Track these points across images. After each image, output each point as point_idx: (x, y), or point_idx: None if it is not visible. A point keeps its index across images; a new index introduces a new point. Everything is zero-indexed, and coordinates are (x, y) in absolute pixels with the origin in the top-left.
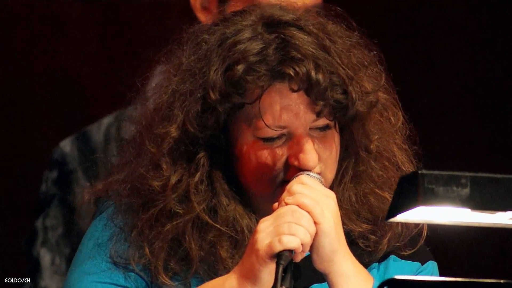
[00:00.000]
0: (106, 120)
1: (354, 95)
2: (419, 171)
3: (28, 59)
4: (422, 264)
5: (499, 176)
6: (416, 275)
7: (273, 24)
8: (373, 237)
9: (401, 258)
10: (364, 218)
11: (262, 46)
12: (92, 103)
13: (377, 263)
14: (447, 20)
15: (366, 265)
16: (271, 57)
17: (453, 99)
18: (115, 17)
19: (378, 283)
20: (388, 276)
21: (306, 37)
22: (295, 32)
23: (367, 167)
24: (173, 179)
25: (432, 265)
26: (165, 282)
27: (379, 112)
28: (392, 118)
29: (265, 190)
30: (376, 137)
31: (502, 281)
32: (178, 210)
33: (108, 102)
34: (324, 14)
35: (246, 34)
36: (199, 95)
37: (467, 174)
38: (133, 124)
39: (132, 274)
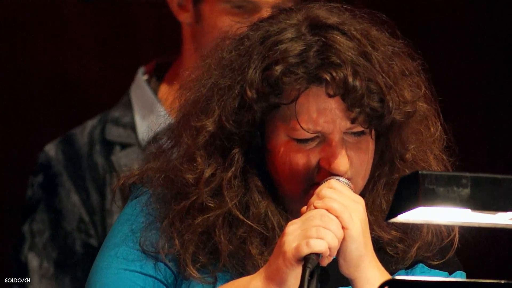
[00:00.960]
0: (90, 123)
1: (391, 104)
2: (420, 172)
3: (27, 59)
4: (450, 274)
5: (499, 176)
6: None
7: (318, 26)
8: (401, 245)
9: (430, 267)
10: (394, 226)
11: (303, 48)
12: (90, 104)
13: (404, 270)
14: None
15: (393, 272)
16: (310, 60)
17: (452, 99)
18: (113, 17)
19: None
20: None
21: (348, 42)
22: (337, 37)
23: (401, 175)
24: (207, 173)
25: (461, 274)
26: (193, 274)
27: (418, 121)
28: (431, 128)
29: (295, 191)
30: (412, 146)
31: (502, 281)
32: (210, 204)
33: (108, 103)
34: (369, 20)
35: (289, 34)
36: (236, 91)
37: (468, 174)
38: (117, 126)
39: (162, 265)
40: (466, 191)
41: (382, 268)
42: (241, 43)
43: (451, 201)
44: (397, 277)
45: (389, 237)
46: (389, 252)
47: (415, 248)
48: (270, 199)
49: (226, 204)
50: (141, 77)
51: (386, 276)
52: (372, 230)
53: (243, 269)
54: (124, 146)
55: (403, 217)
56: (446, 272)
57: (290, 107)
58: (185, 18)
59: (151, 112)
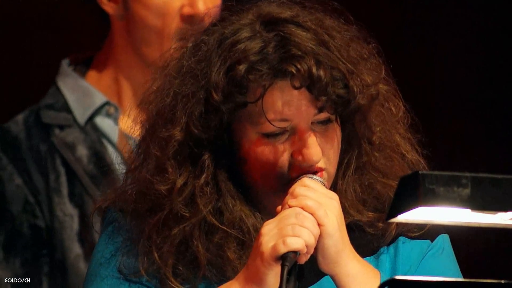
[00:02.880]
0: (21, 115)
1: (355, 89)
2: (420, 172)
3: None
4: (432, 240)
5: (499, 176)
6: (427, 253)
7: (271, 22)
8: (380, 224)
9: (411, 239)
10: (371, 207)
11: (262, 44)
12: None
13: (386, 247)
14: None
15: (375, 250)
16: (271, 56)
17: (453, 97)
18: None
19: (389, 268)
20: (399, 259)
21: (305, 33)
22: (293, 29)
23: (370, 158)
24: (179, 182)
25: (443, 238)
26: (175, 287)
27: (380, 104)
28: (393, 108)
29: (269, 189)
30: (378, 128)
31: (502, 281)
32: (184, 213)
33: None
34: (320, 9)
35: (245, 33)
36: (201, 96)
37: (468, 174)
38: (52, 110)
39: (140, 285)
40: (466, 191)
41: (361, 260)
42: (198, 48)
43: (451, 201)
44: (397, 277)
45: (367, 219)
46: (370, 231)
47: (394, 224)
48: (243, 202)
49: (201, 212)
50: (67, 67)
51: (366, 267)
52: (349, 215)
53: (223, 276)
54: (62, 127)
55: (404, 217)
56: (428, 240)
57: (257, 104)
58: (114, 9)
59: (85, 94)
